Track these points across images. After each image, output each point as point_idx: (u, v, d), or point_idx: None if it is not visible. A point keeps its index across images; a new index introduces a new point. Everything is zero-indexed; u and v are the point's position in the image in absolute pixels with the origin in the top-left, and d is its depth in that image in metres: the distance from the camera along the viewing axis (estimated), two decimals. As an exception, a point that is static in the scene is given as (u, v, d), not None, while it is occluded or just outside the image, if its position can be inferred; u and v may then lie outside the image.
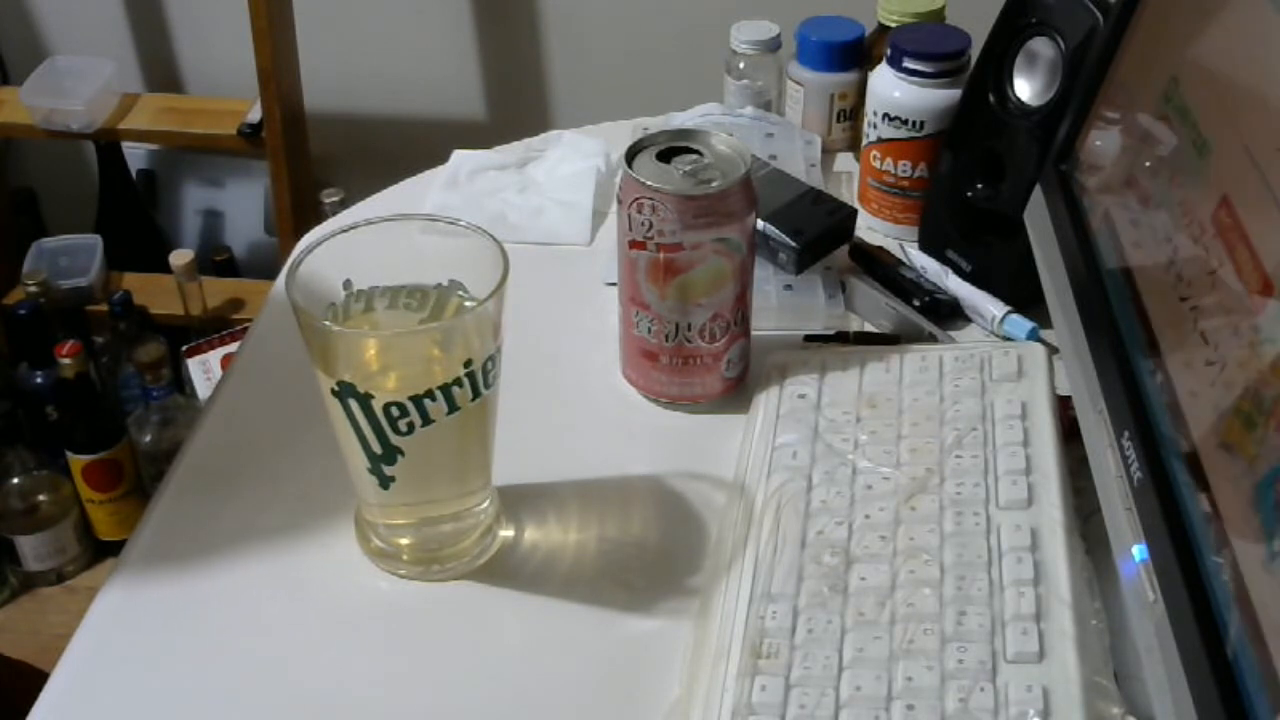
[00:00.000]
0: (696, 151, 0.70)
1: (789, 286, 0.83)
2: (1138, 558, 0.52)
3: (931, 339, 0.78)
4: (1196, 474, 0.50)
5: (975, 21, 0.84)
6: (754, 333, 0.76)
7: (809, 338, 0.80)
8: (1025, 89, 0.78)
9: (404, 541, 0.66)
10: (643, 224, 0.68)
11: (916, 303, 0.82)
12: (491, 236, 0.60)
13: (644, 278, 0.70)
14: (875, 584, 0.59)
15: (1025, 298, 0.79)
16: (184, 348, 1.63)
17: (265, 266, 1.92)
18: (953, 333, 0.81)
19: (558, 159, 0.97)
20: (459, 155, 0.98)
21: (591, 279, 0.86)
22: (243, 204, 1.96)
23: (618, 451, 0.72)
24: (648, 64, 1.75)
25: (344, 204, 1.45)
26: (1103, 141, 0.68)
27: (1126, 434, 0.55)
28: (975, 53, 0.82)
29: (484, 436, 0.63)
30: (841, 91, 0.96)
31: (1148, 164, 0.62)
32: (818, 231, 0.83)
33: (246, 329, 0.96)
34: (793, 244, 0.81)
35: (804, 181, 0.87)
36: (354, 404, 0.58)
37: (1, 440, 1.55)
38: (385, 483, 0.61)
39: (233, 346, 1.60)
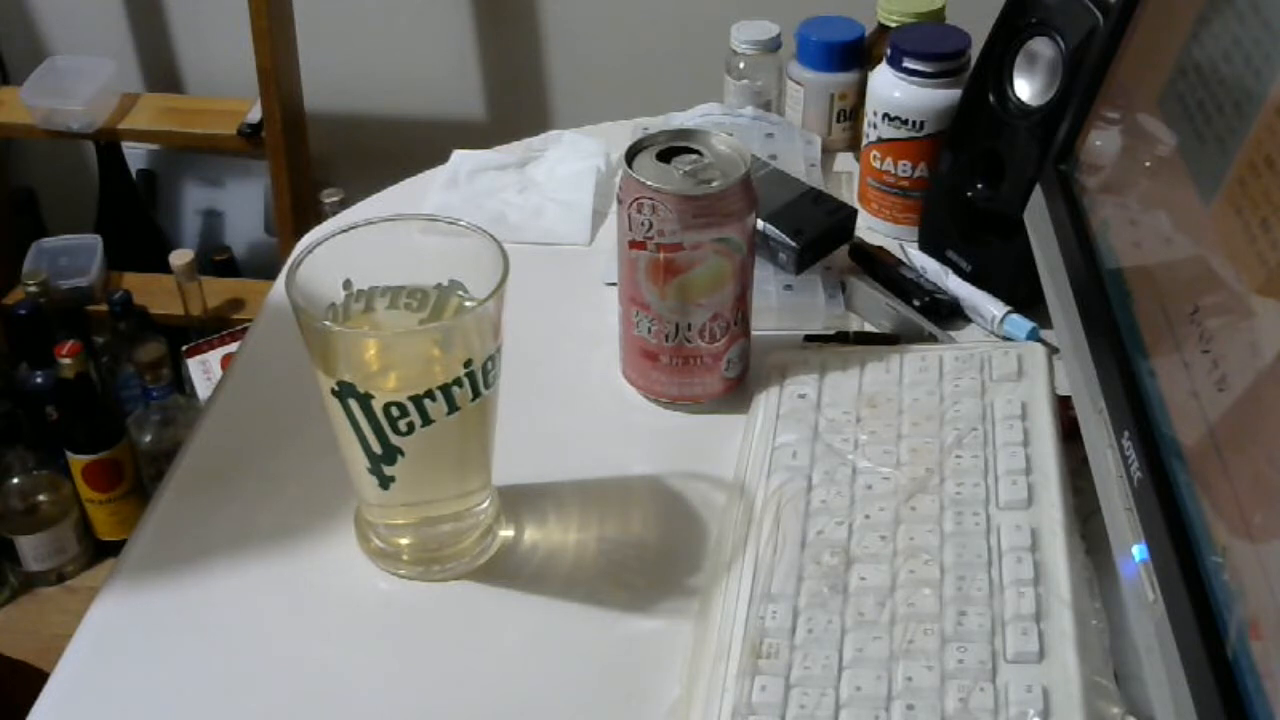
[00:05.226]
0: (696, 151, 0.70)
1: (789, 286, 0.83)
2: (1138, 558, 0.52)
3: (931, 339, 0.78)
4: (1196, 474, 0.50)
5: (975, 21, 0.84)
6: (754, 333, 0.76)
7: (809, 338, 0.80)
8: (1025, 89, 0.78)
9: (404, 541, 0.66)
10: (643, 224, 0.68)
11: (916, 303, 0.82)
12: (491, 236, 0.60)
13: (644, 278, 0.70)
14: (875, 584, 0.59)
15: (1025, 298, 0.79)
16: (184, 348, 1.63)
17: (265, 266, 1.92)
18: (953, 333, 0.81)
19: (558, 159, 0.97)
20: (459, 155, 0.98)
21: (591, 279, 0.86)
22: (243, 204, 1.96)
23: (618, 451, 0.72)
24: (648, 64, 1.75)
25: (344, 204, 1.45)
26: (1103, 141, 0.68)
27: (1126, 434, 0.55)
28: (975, 53, 0.82)
29: (484, 436, 0.63)
30: (841, 91, 0.96)
31: (1148, 164, 0.62)
32: (818, 231, 0.83)
33: (246, 329, 0.96)
34: (793, 244, 0.81)
35: (804, 181, 0.87)
36: (354, 404, 0.58)
37: (1, 440, 1.55)
38: (385, 483, 0.61)
39: (233, 346, 1.60)
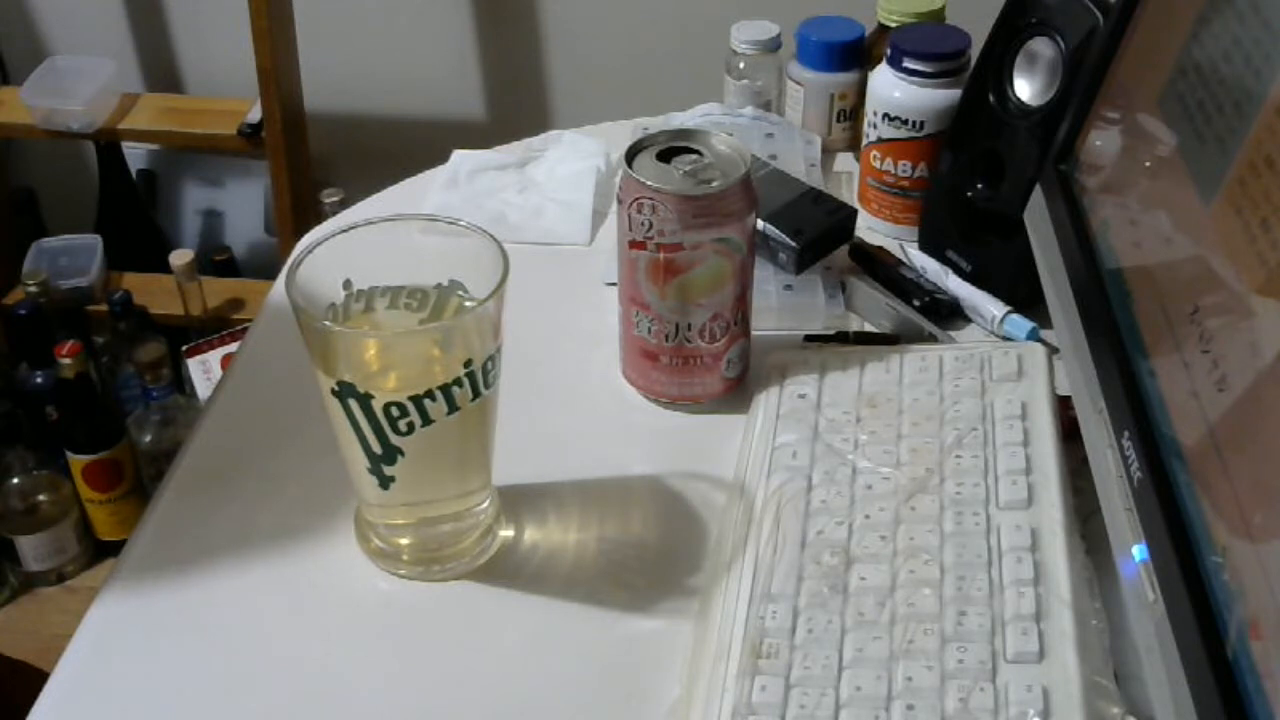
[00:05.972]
0: (696, 151, 0.70)
1: (789, 286, 0.83)
2: (1138, 558, 0.52)
3: (931, 339, 0.78)
4: (1196, 474, 0.50)
5: (975, 21, 0.84)
6: (754, 333, 0.76)
7: (809, 338, 0.80)
8: (1025, 89, 0.78)
9: (404, 541, 0.66)
10: (643, 224, 0.68)
11: (916, 303, 0.82)
12: (491, 236, 0.60)
13: (644, 278, 0.70)
14: (875, 584, 0.59)
15: (1025, 298, 0.79)
16: (184, 348, 1.63)
17: (265, 266, 1.92)
18: (953, 333, 0.81)
19: (558, 159, 0.97)
20: (459, 155, 0.98)
21: (591, 279, 0.86)
22: (243, 204, 1.96)
23: (618, 451, 0.72)
24: (648, 64, 1.75)
25: (344, 204, 1.45)
26: (1103, 141, 0.68)
27: (1126, 434, 0.55)
28: (975, 53, 0.82)
29: (484, 436, 0.63)
30: (841, 91, 0.96)
31: (1148, 164, 0.62)
32: (818, 231, 0.83)
33: (246, 329, 0.96)
34: (793, 244, 0.82)
35: (804, 181, 0.87)
36: (354, 404, 0.58)
37: (1, 440, 1.55)
38: (385, 483, 0.61)
39: (233, 346, 1.60)
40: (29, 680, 1.13)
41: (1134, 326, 0.59)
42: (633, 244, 0.69)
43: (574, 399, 0.77)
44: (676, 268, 0.69)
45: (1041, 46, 0.77)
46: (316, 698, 0.60)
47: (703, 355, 0.73)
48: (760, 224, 0.79)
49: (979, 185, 0.82)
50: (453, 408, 0.59)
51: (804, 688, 0.55)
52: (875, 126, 0.87)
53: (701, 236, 0.68)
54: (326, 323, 0.58)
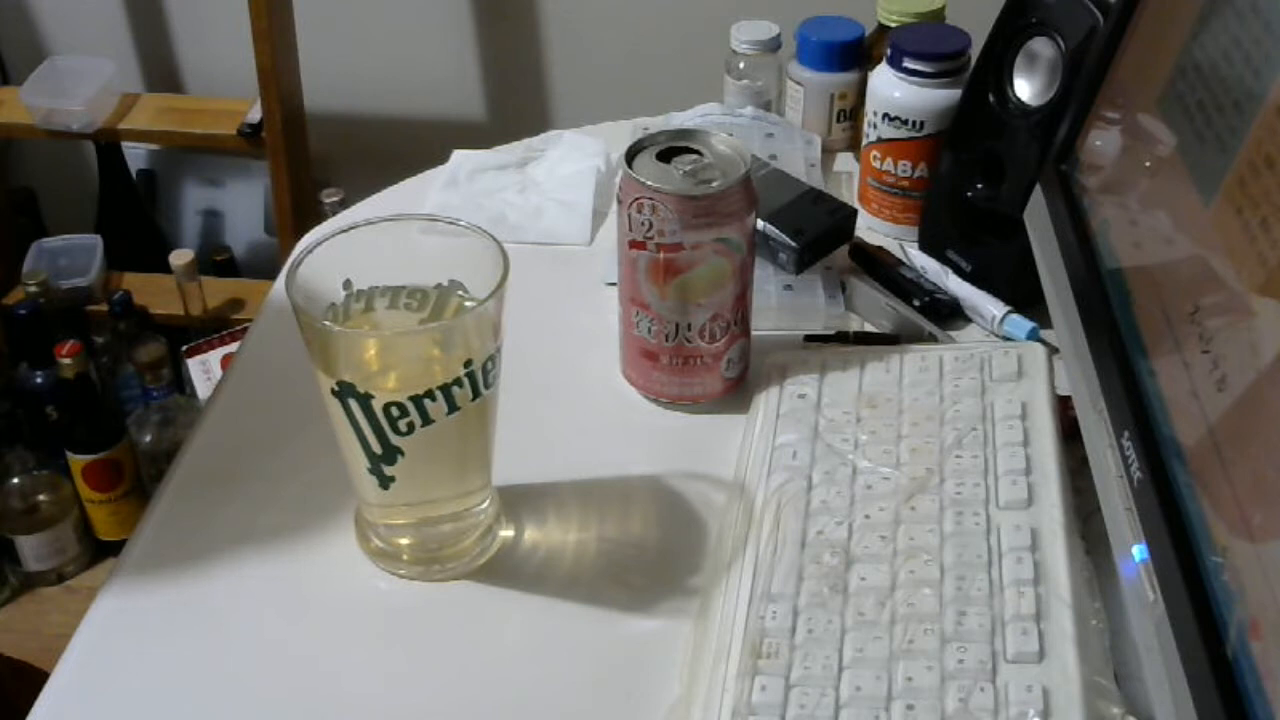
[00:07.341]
0: (696, 151, 0.70)
1: (789, 286, 0.83)
2: (1138, 558, 0.52)
3: (931, 339, 0.78)
4: (1196, 474, 0.50)
5: (975, 21, 0.84)
6: (754, 333, 0.76)
7: (809, 338, 0.80)
8: (1025, 89, 0.78)
9: (404, 541, 0.66)
10: (643, 224, 0.68)
11: (916, 303, 0.82)
12: (491, 236, 0.60)
13: (644, 278, 0.70)
14: (875, 584, 0.59)
15: (1025, 298, 0.79)
16: (184, 348, 1.63)
17: (265, 266, 1.92)
18: (953, 333, 0.81)
19: (558, 159, 0.98)
20: (459, 155, 0.98)
21: (591, 279, 0.86)
22: (243, 204, 1.96)
23: (618, 451, 0.72)
24: (648, 64, 1.75)
25: (344, 204, 1.45)
26: (1103, 141, 0.68)
27: (1126, 434, 0.55)
28: (975, 53, 0.82)
29: (484, 436, 0.63)
30: (841, 91, 0.96)
31: (1147, 164, 0.62)
32: (818, 231, 0.83)
33: (246, 329, 0.96)
34: (793, 244, 0.82)
35: (804, 181, 0.87)
36: (354, 404, 0.58)
37: (1, 440, 1.55)
38: (385, 483, 0.61)
39: (233, 346, 1.60)
40: (29, 680, 1.13)
41: (1134, 326, 0.59)
42: (633, 244, 0.69)
43: (574, 399, 0.77)
44: (676, 268, 0.69)
45: (1041, 46, 0.77)
46: (316, 697, 0.60)
47: (703, 355, 0.73)
48: (760, 224, 0.79)
49: (979, 185, 0.82)
50: (453, 408, 0.59)
51: (804, 688, 0.55)
52: (875, 126, 0.87)
53: (701, 236, 0.68)
54: (326, 323, 0.58)
